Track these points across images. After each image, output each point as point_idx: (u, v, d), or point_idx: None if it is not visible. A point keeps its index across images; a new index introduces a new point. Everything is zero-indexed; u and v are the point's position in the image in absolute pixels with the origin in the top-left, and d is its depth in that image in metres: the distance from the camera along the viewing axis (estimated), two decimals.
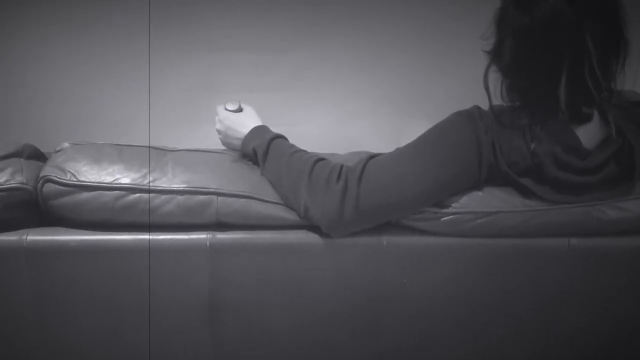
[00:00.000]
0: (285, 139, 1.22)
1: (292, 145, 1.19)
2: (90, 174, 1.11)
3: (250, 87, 1.77)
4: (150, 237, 1.10)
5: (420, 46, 2.13)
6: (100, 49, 1.99)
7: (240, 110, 1.29)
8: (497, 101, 1.16)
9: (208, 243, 1.11)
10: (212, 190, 1.12)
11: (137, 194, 1.11)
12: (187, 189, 1.12)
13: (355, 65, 2.17)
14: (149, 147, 1.20)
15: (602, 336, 1.22)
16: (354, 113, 2.19)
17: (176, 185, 1.12)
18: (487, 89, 1.14)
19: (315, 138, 1.52)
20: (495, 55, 1.15)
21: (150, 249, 1.11)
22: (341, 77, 2.19)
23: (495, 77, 1.15)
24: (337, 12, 2.10)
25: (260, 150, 1.19)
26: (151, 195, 1.11)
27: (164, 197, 1.11)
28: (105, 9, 1.99)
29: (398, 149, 1.15)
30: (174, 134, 1.70)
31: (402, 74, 2.16)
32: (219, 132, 1.30)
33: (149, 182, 1.11)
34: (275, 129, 1.25)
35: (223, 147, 1.30)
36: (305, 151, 1.17)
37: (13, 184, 1.11)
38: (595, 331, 1.21)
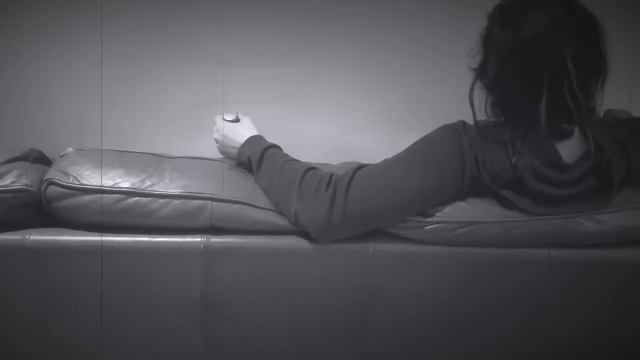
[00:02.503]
0: (280, 148, 1.27)
1: (285, 155, 1.24)
2: (92, 177, 1.17)
3: (249, 100, 1.84)
4: (145, 239, 1.16)
5: (415, 63, 2.18)
6: (106, 61, 2.06)
7: (237, 120, 1.35)
8: (482, 116, 1.21)
9: (202, 246, 1.16)
10: (207, 195, 1.17)
11: (136, 198, 1.16)
12: (183, 193, 1.17)
13: (352, 80, 2.23)
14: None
15: (581, 344, 1.25)
16: (350, 126, 2.23)
17: (173, 190, 1.17)
18: (472, 104, 1.19)
19: (312, 150, 1.57)
20: (481, 72, 1.20)
21: (145, 252, 1.16)
22: (338, 91, 2.24)
23: (480, 93, 1.20)
24: (335, 29, 2.16)
25: (255, 159, 1.24)
26: (149, 199, 1.16)
27: (161, 201, 1.16)
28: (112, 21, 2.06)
29: (386, 160, 1.20)
30: (176, 143, 1.76)
31: (397, 89, 2.21)
32: (216, 141, 1.35)
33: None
34: (274, 141, 1.30)
35: (220, 156, 1.36)
36: (297, 160, 1.22)
37: (18, 185, 1.16)
38: (575, 339, 1.24)
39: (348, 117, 2.23)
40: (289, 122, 2.11)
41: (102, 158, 1.20)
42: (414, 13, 2.15)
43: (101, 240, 1.15)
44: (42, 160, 1.26)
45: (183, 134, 2.09)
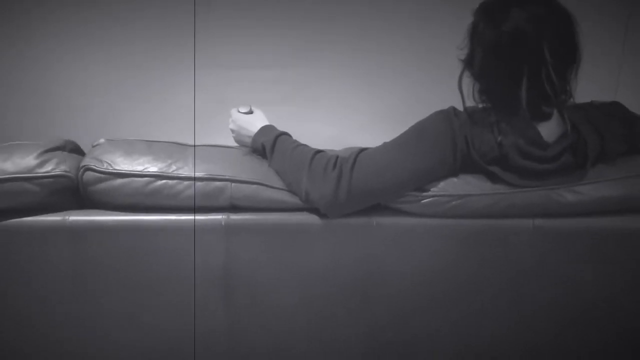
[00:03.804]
0: (290, 136, 1.41)
1: (295, 141, 1.38)
2: (124, 163, 1.30)
3: (255, 101, 1.96)
4: (173, 217, 1.29)
5: (415, 63, 2.24)
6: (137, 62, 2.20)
7: (251, 112, 1.48)
8: (470, 102, 1.35)
9: (223, 223, 1.29)
10: (227, 177, 1.31)
11: (163, 181, 1.30)
12: (205, 176, 1.30)
13: (354, 80, 2.31)
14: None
15: (564, 306, 1.38)
16: (352, 126, 2.31)
17: (197, 173, 1.31)
18: (461, 91, 1.33)
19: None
20: (468, 63, 1.34)
21: (171, 229, 1.29)
22: (338, 92, 2.33)
23: (468, 82, 1.34)
24: (335, 30, 2.24)
25: (268, 145, 1.38)
26: (175, 181, 1.30)
27: (186, 183, 1.30)
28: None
29: (385, 143, 1.34)
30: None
31: (397, 89, 2.28)
32: (232, 131, 1.48)
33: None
34: None
35: (236, 144, 1.50)
36: (306, 145, 1.36)
37: (58, 172, 1.29)
38: (559, 302, 1.37)
39: (349, 118, 2.31)
40: (290, 123, 2.24)
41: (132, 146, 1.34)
42: (413, 13, 2.21)
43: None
44: (77, 150, 1.40)
45: (189, 133, 2.22)
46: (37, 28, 2.24)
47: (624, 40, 2.35)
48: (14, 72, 2.28)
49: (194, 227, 1.28)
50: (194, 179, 1.30)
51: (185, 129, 1.68)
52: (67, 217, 1.28)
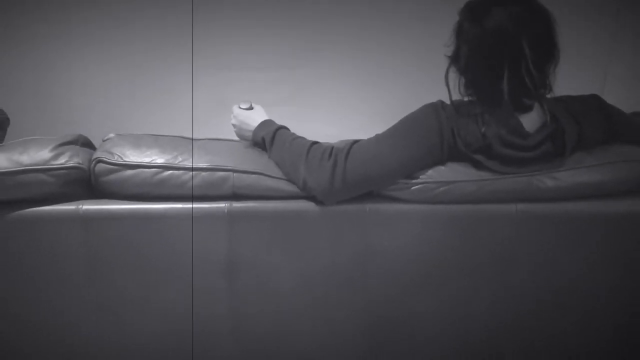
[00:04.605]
0: (288, 129, 1.50)
1: (293, 134, 1.47)
2: (133, 155, 1.39)
3: (256, 101, 2.04)
4: (179, 205, 1.38)
5: (415, 63, 2.31)
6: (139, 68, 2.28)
7: (251, 108, 1.57)
8: (456, 96, 1.44)
9: (226, 211, 1.38)
10: (229, 168, 1.40)
11: (170, 171, 1.39)
12: (209, 167, 1.39)
13: (355, 81, 2.39)
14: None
15: (544, 283, 1.47)
16: (353, 126, 2.35)
17: (201, 164, 1.40)
18: (447, 85, 1.43)
19: None
20: (454, 59, 1.43)
21: (177, 217, 1.38)
22: (341, 93, 2.41)
23: (454, 77, 1.44)
24: (336, 31, 2.32)
25: (268, 138, 1.47)
26: (180, 171, 1.39)
27: (191, 173, 1.39)
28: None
29: (377, 134, 1.43)
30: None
31: (397, 89, 2.35)
32: (234, 126, 1.57)
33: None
34: None
35: (237, 139, 1.58)
36: (303, 138, 1.45)
37: (71, 164, 1.37)
38: (538, 280, 1.46)
39: (349, 118, 2.35)
40: (290, 124, 2.31)
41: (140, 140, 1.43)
42: (414, 13, 2.28)
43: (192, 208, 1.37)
44: (88, 144, 1.48)
45: (196, 131, 2.30)
46: (39, 29, 2.32)
47: (614, 34, 2.43)
48: (14, 72, 2.37)
49: (192, 214, 1.37)
50: (192, 169, 1.38)
51: (186, 129, 1.76)
52: (80, 206, 1.36)
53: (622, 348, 1.56)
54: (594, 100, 1.52)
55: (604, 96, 1.53)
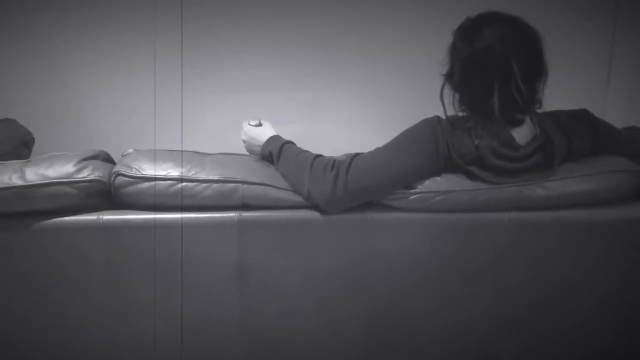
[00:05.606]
0: (294, 144, 1.59)
1: (299, 148, 1.57)
2: (150, 169, 1.49)
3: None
4: (192, 215, 1.47)
5: (419, 84, 2.27)
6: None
7: (260, 125, 1.67)
8: (451, 111, 1.53)
9: (236, 220, 1.47)
10: (239, 180, 1.49)
11: (183, 183, 1.48)
12: (220, 179, 1.49)
13: (359, 100, 2.48)
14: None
15: (536, 287, 1.54)
16: (358, 144, 2.47)
17: (212, 176, 1.49)
18: (442, 102, 1.52)
19: None
20: (449, 77, 1.52)
21: (191, 225, 1.47)
22: (346, 112, 2.50)
23: (448, 94, 1.53)
24: (341, 55, 2.41)
25: (275, 152, 1.57)
26: (194, 183, 1.48)
27: (203, 185, 1.48)
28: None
29: (377, 148, 1.52)
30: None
31: (397, 88, 2.43)
32: (244, 142, 1.67)
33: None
34: None
35: (247, 154, 1.68)
36: (307, 151, 1.55)
37: (93, 177, 1.47)
38: (531, 284, 1.54)
39: (358, 137, 2.34)
40: (303, 141, 2.38)
41: (156, 155, 1.53)
42: (430, 38, 2.30)
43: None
44: (109, 159, 1.59)
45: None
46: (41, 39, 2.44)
47: (613, 32, 2.43)
48: (44, 101, 2.49)
49: (182, 223, 1.46)
50: (182, 179, 1.48)
51: (199, 145, 1.86)
52: (101, 217, 1.46)
53: (616, 351, 1.62)
54: (583, 114, 1.60)
55: (606, 99, 1.57)
